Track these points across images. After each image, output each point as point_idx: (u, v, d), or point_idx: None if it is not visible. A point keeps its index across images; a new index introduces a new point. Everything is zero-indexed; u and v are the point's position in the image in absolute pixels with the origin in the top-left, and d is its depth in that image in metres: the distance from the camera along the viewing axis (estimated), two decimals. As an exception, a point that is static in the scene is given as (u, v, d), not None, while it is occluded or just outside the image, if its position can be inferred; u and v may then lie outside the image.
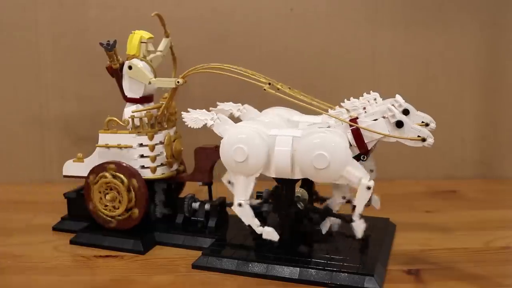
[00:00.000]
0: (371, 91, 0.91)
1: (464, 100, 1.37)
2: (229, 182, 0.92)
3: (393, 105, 0.81)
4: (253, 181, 0.86)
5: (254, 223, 0.87)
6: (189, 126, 0.90)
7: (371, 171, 0.92)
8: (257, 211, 0.92)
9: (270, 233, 0.87)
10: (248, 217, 0.87)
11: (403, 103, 0.82)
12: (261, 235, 0.87)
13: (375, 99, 0.89)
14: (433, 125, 0.84)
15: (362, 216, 0.83)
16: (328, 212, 0.93)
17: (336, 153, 0.80)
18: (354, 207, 0.83)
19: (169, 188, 1.03)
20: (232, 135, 0.85)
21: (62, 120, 1.35)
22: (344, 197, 0.92)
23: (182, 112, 0.91)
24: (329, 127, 0.84)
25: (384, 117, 0.80)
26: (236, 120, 0.92)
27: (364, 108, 0.84)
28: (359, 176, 0.81)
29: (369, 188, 0.80)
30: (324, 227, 0.92)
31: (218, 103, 0.97)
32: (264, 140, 0.83)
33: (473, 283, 0.82)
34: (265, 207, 0.95)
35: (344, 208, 0.94)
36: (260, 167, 0.84)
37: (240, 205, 0.87)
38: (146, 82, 0.97)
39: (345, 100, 0.89)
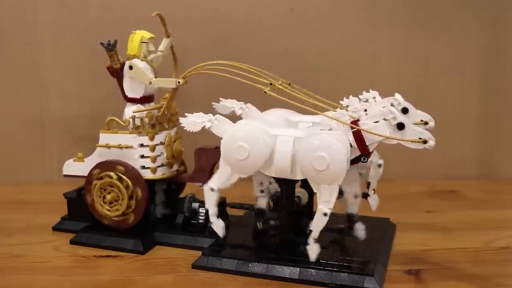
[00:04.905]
0: (370, 90, 0.91)
1: (464, 100, 1.37)
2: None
3: (392, 104, 0.81)
4: (236, 179, 0.87)
5: (214, 210, 0.89)
6: (188, 130, 0.90)
7: (379, 165, 0.93)
8: (275, 197, 0.95)
9: (218, 227, 0.89)
10: (211, 202, 0.89)
11: (402, 102, 0.82)
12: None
13: (374, 98, 0.90)
14: (432, 123, 0.84)
15: (317, 241, 0.83)
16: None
17: (336, 155, 0.79)
18: (310, 231, 0.83)
19: (169, 188, 1.03)
20: (233, 133, 0.85)
21: (62, 120, 1.35)
22: (356, 196, 0.92)
23: (179, 118, 0.91)
24: (331, 129, 0.84)
25: (385, 119, 0.80)
26: (238, 118, 0.91)
27: (365, 110, 0.84)
28: (324, 199, 0.81)
29: (325, 214, 0.81)
30: (360, 233, 0.91)
31: (221, 99, 0.96)
32: (266, 139, 0.83)
33: (473, 283, 0.82)
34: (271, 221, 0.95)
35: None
36: (259, 165, 0.84)
37: (212, 189, 0.88)
38: (146, 82, 0.97)
39: (344, 98, 0.89)
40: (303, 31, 1.33)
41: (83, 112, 1.34)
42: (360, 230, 0.91)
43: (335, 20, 1.33)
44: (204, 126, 0.89)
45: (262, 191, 0.94)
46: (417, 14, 1.33)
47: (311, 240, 0.83)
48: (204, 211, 0.98)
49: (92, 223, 1.01)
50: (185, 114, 0.90)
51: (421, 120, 0.83)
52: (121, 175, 0.96)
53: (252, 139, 0.83)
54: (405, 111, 0.81)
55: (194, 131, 0.90)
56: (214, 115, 0.89)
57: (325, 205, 0.81)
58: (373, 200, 0.95)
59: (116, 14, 1.30)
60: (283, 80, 0.92)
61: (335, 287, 0.81)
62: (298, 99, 0.87)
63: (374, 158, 0.92)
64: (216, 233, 0.90)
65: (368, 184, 0.95)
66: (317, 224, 0.82)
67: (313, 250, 0.83)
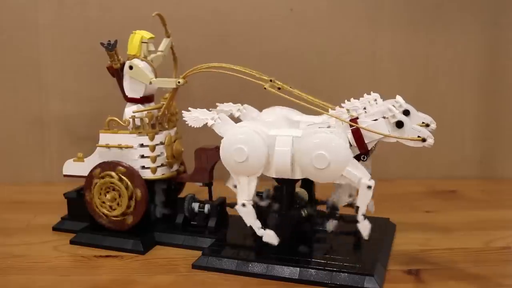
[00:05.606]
0: (371, 92, 0.91)
1: (464, 100, 1.37)
2: (235, 186, 0.91)
3: (393, 105, 0.81)
4: (255, 181, 0.86)
5: (256, 224, 0.87)
6: (189, 125, 0.90)
7: (369, 187, 0.91)
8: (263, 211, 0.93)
9: (270, 236, 0.87)
10: (250, 218, 0.87)
11: (404, 104, 0.82)
12: (261, 236, 0.87)
13: (375, 100, 0.90)
14: (433, 125, 0.84)
15: (366, 216, 0.83)
16: (332, 214, 0.93)
17: (336, 153, 0.80)
18: (357, 208, 0.82)
19: (169, 188, 1.03)
20: (232, 135, 0.85)
21: (62, 120, 1.35)
22: (350, 195, 0.91)
23: (182, 111, 0.91)
24: (329, 127, 0.84)
25: (384, 117, 0.80)
26: (236, 120, 0.92)
27: (365, 108, 0.84)
28: (359, 175, 0.81)
29: (369, 187, 0.80)
30: (330, 226, 0.92)
31: (217, 104, 0.97)
32: (264, 140, 0.84)
33: (473, 283, 0.82)
34: (274, 206, 0.95)
35: (345, 209, 0.94)
36: (260, 167, 0.84)
37: (243, 205, 0.87)
38: (147, 82, 0.97)
39: (346, 101, 0.89)
40: (303, 31, 1.33)
41: (83, 112, 1.34)
42: (331, 224, 0.91)
43: (335, 20, 1.33)
44: (206, 124, 0.89)
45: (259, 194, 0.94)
46: (417, 14, 1.33)
47: (360, 217, 0.82)
48: (202, 211, 0.98)
49: (92, 223, 1.00)
50: (189, 108, 0.90)
51: (423, 122, 0.83)
52: (122, 176, 0.96)
53: (250, 141, 0.83)
54: (406, 113, 0.81)
55: (195, 127, 0.90)
56: (217, 113, 0.90)
57: (365, 178, 0.80)
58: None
59: (116, 14, 1.30)
60: (283, 84, 0.91)
61: (335, 287, 0.81)
62: (298, 98, 0.87)
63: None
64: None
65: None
66: (363, 198, 0.81)
67: (364, 227, 0.82)
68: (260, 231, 0.87)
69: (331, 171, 0.80)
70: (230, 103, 0.95)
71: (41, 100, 1.35)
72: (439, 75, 1.36)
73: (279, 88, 0.87)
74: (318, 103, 0.89)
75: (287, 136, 0.83)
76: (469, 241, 0.98)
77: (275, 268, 0.85)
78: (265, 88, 0.86)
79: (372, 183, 0.80)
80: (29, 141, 1.36)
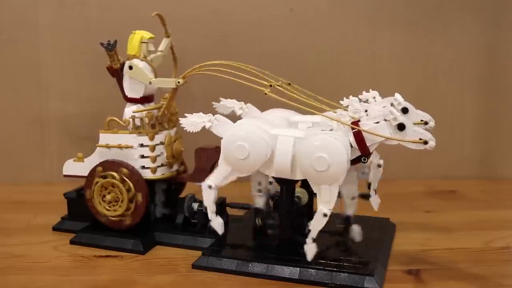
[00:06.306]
0: (370, 90, 0.91)
1: (464, 100, 1.37)
2: (259, 191, 0.94)
3: (392, 104, 0.81)
4: (235, 177, 0.87)
5: (212, 208, 0.89)
6: (187, 131, 0.90)
7: (379, 166, 0.93)
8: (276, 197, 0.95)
9: (217, 225, 0.89)
10: (210, 200, 0.89)
11: (402, 102, 0.82)
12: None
13: (374, 98, 0.90)
14: (432, 123, 0.84)
15: (314, 240, 0.83)
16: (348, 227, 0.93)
17: (337, 155, 0.79)
18: (309, 231, 0.83)
19: (169, 188, 1.03)
20: (233, 133, 0.85)
21: (62, 120, 1.35)
22: (353, 198, 0.92)
23: (179, 118, 0.91)
24: (331, 129, 0.84)
25: (386, 120, 0.80)
26: (238, 119, 0.91)
27: (366, 111, 0.84)
28: (324, 200, 0.81)
29: (325, 215, 0.81)
30: (356, 235, 0.91)
31: (221, 98, 0.96)
32: (265, 137, 0.83)
33: (473, 283, 0.82)
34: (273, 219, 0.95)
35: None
36: (259, 165, 0.84)
37: (210, 187, 0.88)
38: (146, 82, 0.97)
39: (344, 98, 0.89)
40: (303, 31, 1.33)
41: (83, 112, 1.34)
42: (356, 232, 0.91)
43: (335, 20, 1.33)
44: (204, 126, 0.89)
45: (260, 191, 0.94)
46: (417, 14, 1.33)
47: (309, 240, 0.83)
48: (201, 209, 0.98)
49: (92, 223, 1.00)
50: (185, 114, 0.90)
51: (421, 120, 0.83)
52: (125, 178, 0.95)
53: (252, 138, 0.83)
54: (405, 111, 0.81)
55: (194, 132, 0.90)
56: (214, 115, 0.89)
57: (325, 205, 0.81)
58: (375, 200, 0.95)
59: (116, 14, 1.30)
60: (283, 80, 0.92)
61: (335, 287, 0.81)
62: (298, 100, 0.87)
63: (374, 159, 0.92)
64: (215, 232, 0.90)
65: (369, 185, 0.95)
66: (317, 224, 0.82)
67: (310, 250, 0.83)
68: (212, 215, 0.89)
69: (330, 174, 0.80)
70: (234, 100, 0.95)
71: (41, 100, 1.35)
72: (439, 75, 1.36)
73: (278, 86, 0.87)
74: (321, 100, 0.88)
75: (289, 136, 0.83)
76: (469, 241, 0.98)
77: (275, 268, 0.85)
78: (265, 93, 0.86)
79: (329, 212, 0.81)
80: (29, 141, 1.36)
